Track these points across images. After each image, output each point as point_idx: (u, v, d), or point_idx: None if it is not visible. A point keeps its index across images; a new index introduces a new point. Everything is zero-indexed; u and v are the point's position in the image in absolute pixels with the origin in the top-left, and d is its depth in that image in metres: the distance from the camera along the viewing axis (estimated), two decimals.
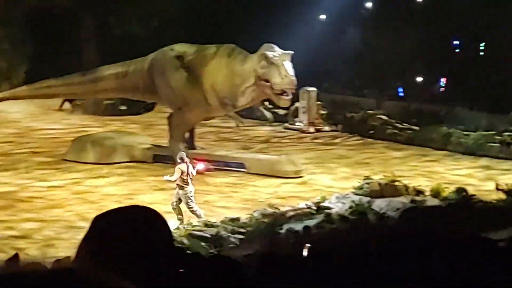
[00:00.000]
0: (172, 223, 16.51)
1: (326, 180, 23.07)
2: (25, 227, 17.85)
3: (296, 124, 31.98)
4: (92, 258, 2.52)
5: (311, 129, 31.50)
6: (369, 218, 17.50)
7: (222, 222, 17.13)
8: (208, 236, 16.21)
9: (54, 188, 21.50)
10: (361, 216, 17.58)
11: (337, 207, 18.43)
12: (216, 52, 24.06)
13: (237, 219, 17.36)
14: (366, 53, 35.37)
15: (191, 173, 17.82)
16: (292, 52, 22.71)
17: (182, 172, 17.64)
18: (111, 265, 2.23)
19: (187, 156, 18.29)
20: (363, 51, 35.31)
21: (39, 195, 20.78)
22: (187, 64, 24.13)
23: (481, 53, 34.83)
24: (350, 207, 18.19)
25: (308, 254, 5.48)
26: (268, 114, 25.21)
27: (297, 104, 31.58)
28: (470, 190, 19.32)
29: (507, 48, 31.87)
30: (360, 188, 19.58)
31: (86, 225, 2.66)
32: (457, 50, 35.61)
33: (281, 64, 22.29)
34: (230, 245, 15.89)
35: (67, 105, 34.77)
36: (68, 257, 11.15)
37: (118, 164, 24.15)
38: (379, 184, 19.55)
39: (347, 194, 19.45)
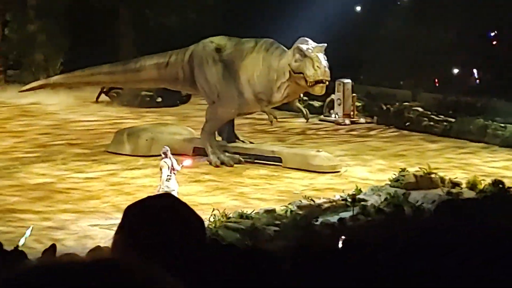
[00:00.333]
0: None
1: (361, 172, 22.99)
2: (62, 218, 18.03)
3: (332, 116, 31.87)
4: (131, 250, 2.52)
5: (347, 121, 31.35)
6: (405, 211, 17.44)
7: (257, 214, 17.16)
8: (243, 228, 16.26)
9: (91, 180, 21.64)
10: (397, 208, 17.53)
11: (372, 199, 18.40)
12: (254, 47, 23.94)
13: (273, 210, 17.37)
14: (403, 44, 35.11)
15: (175, 168, 17.87)
16: (326, 44, 22.63)
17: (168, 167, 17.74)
18: (145, 256, 2.17)
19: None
20: (399, 42, 35.04)
21: (76, 187, 20.94)
22: (225, 58, 24.11)
23: None
24: (386, 199, 18.15)
25: (343, 246, 5.48)
26: (305, 111, 24.94)
27: (332, 96, 31.45)
28: (507, 182, 19.16)
29: None
30: (396, 180, 19.51)
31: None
32: (494, 42, 35.27)
33: (315, 56, 22.24)
34: (265, 237, 15.92)
35: (103, 97, 34.93)
36: (99, 247, 11.21)
37: (153, 156, 24.22)
38: (415, 176, 19.48)
39: (382, 186, 19.40)
